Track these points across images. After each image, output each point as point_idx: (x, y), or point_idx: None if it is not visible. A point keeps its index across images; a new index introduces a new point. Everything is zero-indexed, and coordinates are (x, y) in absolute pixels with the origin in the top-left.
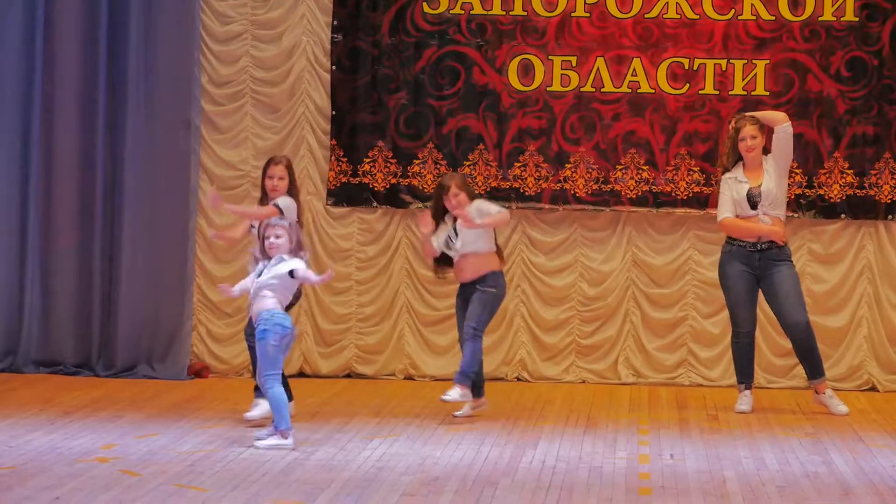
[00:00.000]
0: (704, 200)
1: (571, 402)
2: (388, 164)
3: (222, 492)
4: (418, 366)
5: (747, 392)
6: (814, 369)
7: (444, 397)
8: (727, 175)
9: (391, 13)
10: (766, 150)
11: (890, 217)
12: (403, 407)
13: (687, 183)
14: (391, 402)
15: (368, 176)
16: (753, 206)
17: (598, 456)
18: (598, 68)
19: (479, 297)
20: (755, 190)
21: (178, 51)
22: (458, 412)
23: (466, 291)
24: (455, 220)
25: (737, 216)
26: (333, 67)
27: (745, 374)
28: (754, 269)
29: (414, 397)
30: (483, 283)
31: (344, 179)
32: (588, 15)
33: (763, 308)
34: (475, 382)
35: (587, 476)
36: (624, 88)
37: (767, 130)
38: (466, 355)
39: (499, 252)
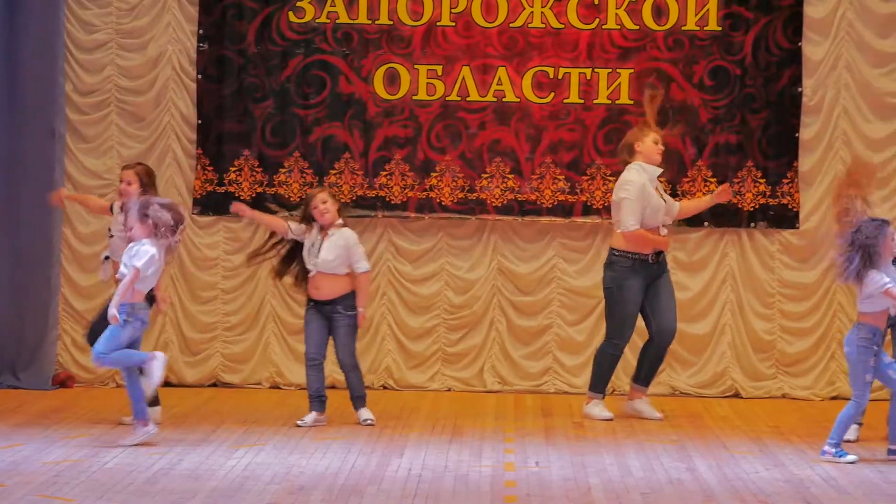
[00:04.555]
0: (569, 208)
1: (437, 410)
2: (254, 173)
3: (88, 501)
4: (284, 374)
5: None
6: (650, 376)
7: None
8: (633, 185)
9: (257, 22)
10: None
11: (752, 225)
12: (270, 416)
13: (552, 191)
14: (257, 410)
15: (234, 185)
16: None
17: (464, 464)
18: (463, 77)
19: (345, 324)
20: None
21: (42, 60)
22: (302, 421)
23: (323, 310)
24: (323, 232)
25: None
26: (199, 76)
27: (607, 383)
28: (649, 279)
29: (280, 406)
30: (343, 304)
31: (210, 188)
32: (454, 24)
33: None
34: (321, 397)
35: (453, 484)
36: (489, 97)
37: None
38: (355, 381)
39: None
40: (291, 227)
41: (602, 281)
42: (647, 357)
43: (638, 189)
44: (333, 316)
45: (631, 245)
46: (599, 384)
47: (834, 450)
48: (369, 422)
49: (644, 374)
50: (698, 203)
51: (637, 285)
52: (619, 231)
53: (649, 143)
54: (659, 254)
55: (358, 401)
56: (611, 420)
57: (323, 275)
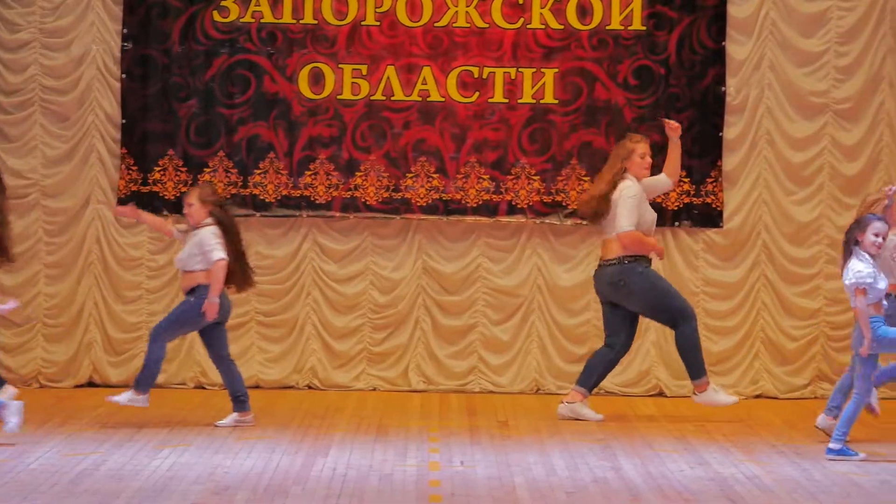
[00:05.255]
0: (494, 208)
1: (362, 409)
2: (179, 173)
3: (12, 502)
4: (208, 374)
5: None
6: (599, 383)
7: (114, 398)
8: (634, 188)
9: (181, 21)
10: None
11: (676, 224)
12: (194, 416)
13: (477, 191)
14: (181, 410)
15: (159, 184)
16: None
17: (389, 463)
18: (388, 77)
19: (178, 306)
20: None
21: None
22: (221, 422)
23: None
24: (193, 231)
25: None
26: (123, 76)
27: (702, 362)
28: None
29: (204, 406)
30: (192, 293)
31: (134, 188)
32: (378, 24)
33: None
34: (240, 396)
35: (378, 484)
36: (414, 97)
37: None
38: (146, 358)
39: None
40: (176, 228)
41: (630, 292)
42: (602, 364)
43: (637, 193)
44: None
45: (628, 249)
46: (700, 369)
47: (838, 446)
48: (117, 401)
49: (596, 381)
50: (671, 157)
51: (653, 271)
52: (615, 234)
53: (636, 159)
54: (649, 261)
55: (137, 383)
56: (735, 403)
57: (184, 272)
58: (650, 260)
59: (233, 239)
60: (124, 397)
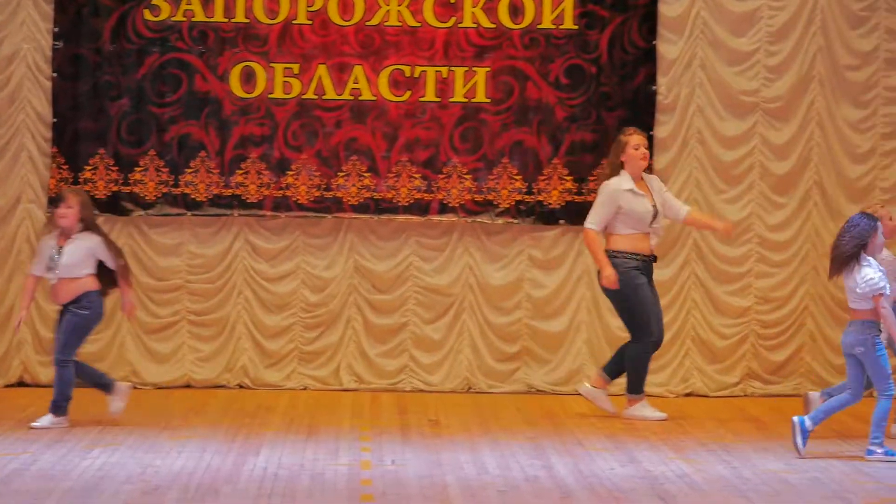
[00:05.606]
0: (426, 207)
1: (294, 408)
2: (110, 172)
3: None
4: (140, 373)
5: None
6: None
7: (35, 424)
8: (611, 186)
9: (112, 20)
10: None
11: None
12: (124, 415)
13: (408, 190)
14: None
15: (90, 183)
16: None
17: (320, 462)
18: (320, 76)
19: (69, 321)
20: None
21: None
22: (36, 423)
23: (65, 313)
24: (62, 238)
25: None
26: (54, 74)
27: (644, 382)
28: (649, 278)
29: (135, 406)
30: (76, 304)
31: (65, 187)
32: (310, 22)
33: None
34: (60, 404)
35: (309, 483)
36: (346, 96)
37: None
38: (55, 385)
39: (120, 273)
40: (44, 241)
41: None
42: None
43: (608, 192)
44: (65, 315)
45: (622, 245)
46: (639, 385)
47: (881, 449)
48: (38, 426)
49: (618, 373)
50: (705, 221)
51: (643, 281)
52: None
53: (630, 151)
54: (651, 259)
55: (53, 405)
56: (665, 420)
57: (63, 281)
58: (644, 262)
59: (112, 245)
60: (46, 420)
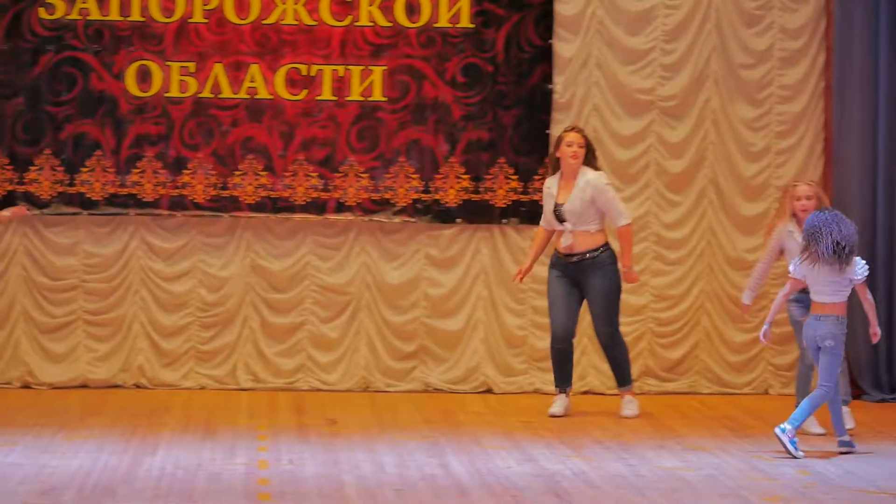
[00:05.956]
0: (322, 205)
1: (190, 408)
2: (4, 171)
3: None
4: (35, 373)
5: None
6: (620, 377)
7: None
8: (546, 184)
9: (7, 19)
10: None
11: (504, 221)
12: (20, 416)
13: (305, 189)
14: (8, 410)
15: None
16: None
17: (217, 462)
18: (216, 74)
19: None
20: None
21: None
22: None
23: None
24: None
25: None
26: None
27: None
28: (574, 277)
29: (31, 406)
30: None
31: None
32: (206, 21)
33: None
34: None
35: (206, 482)
36: (242, 94)
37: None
38: None
39: None
40: None
41: (606, 280)
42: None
43: (545, 189)
44: None
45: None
46: (557, 380)
47: (789, 436)
48: None
49: (616, 377)
50: (623, 251)
51: (555, 277)
52: None
53: (563, 147)
54: (568, 256)
55: None
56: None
57: None
58: (561, 260)
59: None
60: None
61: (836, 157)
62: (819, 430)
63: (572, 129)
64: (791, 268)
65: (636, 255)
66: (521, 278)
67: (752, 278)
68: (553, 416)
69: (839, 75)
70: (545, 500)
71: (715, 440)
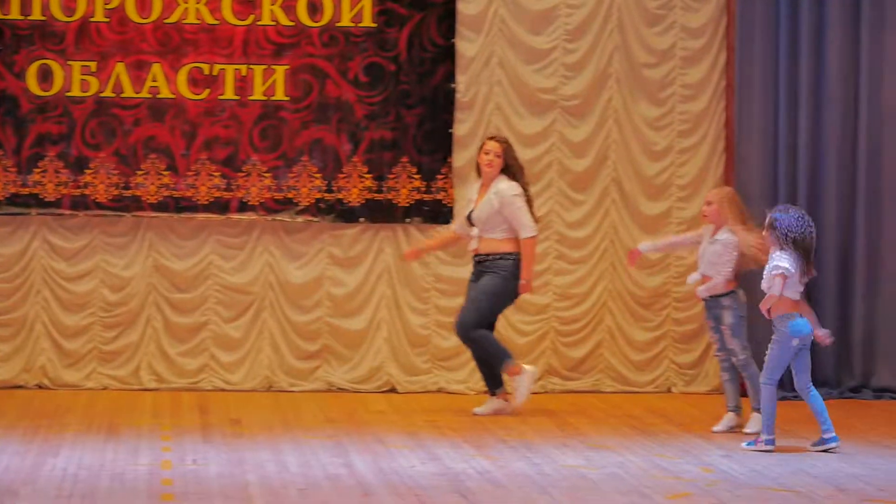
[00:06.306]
0: (225, 205)
1: (93, 408)
2: None
3: None
4: None
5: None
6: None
7: None
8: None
9: None
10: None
11: (408, 221)
12: None
13: (208, 188)
14: None
15: None
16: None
17: (121, 462)
18: (118, 74)
19: None
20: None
21: None
22: None
23: None
24: None
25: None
26: None
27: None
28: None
29: None
30: None
31: None
32: (108, 20)
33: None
34: None
35: (109, 483)
36: (144, 94)
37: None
38: None
39: None
40: None
41: (496, 280)
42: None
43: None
44: None
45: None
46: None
47: (765, 437)
48: None
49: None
50: (524, 262)
51: (471, 278)
52: None
53: (480, 154)
54: (477, 258)
55: None
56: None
57: None
58: (474, 262)
59: None
60: None
61: (737, 156)
62: (755, 428)
63: (492, 137)
64: (787, 264)
65: (538, 254)
66: (410, 257)
67: (662, 239)
68: (475, 414)
69: (740, 74)
70: (449, 500)
71: (618, 438)
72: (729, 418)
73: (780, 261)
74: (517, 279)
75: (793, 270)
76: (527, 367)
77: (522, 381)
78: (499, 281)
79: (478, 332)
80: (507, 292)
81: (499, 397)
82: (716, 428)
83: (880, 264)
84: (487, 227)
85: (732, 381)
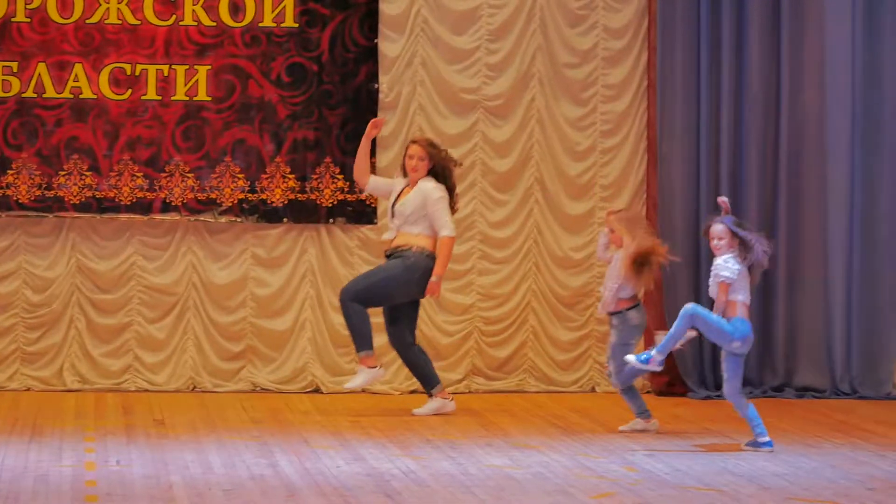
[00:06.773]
0: (148, 205)
1: (16, 409)
2: None
3: None
4: None
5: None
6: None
7: None
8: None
9: None
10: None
11: (331, 221)
12: None
13: (130, 188)
14: None
15: None
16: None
17: (44, 464)
18: (39, 74)
19: None
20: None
21: None
22: None
23: None
24: None
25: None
26: None
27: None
28: None
29: None
30: None
31: None
32: (29, 20)
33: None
34: None
35: (33, 485)
36: (66, 94)
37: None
38: None
39: None
40: None
41: (401, 269)
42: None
43: (394, 178)
44: None
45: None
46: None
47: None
48: None
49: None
50: (438, 261)
51: None
52: None
53: (406, 158)
54: (389, 249)
55: None
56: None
57: None
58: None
59: None
60: None
61: (660, 156)
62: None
63: (414, 141)
64: (728, 273)
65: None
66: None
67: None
68: (413, 414)
69: (662, 74)
70: (375, 500)
71: (542, 438)
72: (635, 422)
73: (723, 270)
74: (424, 276)
75: (734, 277)
76: (379, 368)
77: (365, 374)
78: (401, 268)
79: (356, 305)
80: (407, 282)
81: (437, 396)
82: (622, 427)
83: (801, 264)
84: (407, 221)
85: (626, 392)
